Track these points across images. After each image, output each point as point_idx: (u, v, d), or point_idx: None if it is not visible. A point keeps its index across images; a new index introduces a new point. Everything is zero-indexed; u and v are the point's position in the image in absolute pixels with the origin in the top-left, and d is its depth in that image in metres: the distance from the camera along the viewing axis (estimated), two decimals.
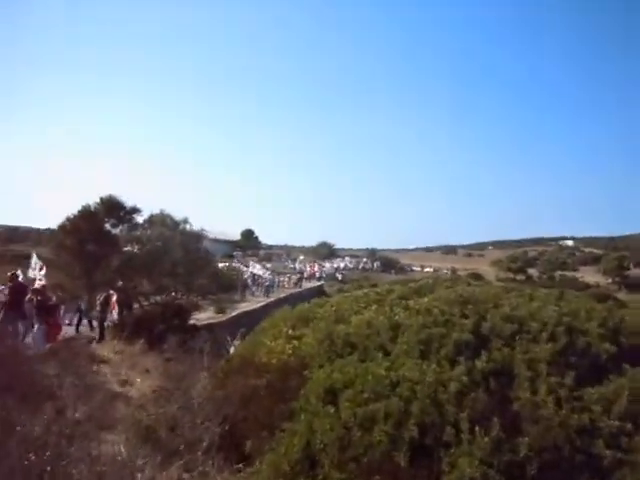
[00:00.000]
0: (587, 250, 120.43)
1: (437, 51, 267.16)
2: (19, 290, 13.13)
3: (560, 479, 4.93)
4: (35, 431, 5.23)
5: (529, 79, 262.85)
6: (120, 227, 15.34)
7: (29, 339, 12.16)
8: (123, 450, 6.32)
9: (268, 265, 63.04)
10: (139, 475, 5.68)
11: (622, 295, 54.58)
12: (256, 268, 47.16)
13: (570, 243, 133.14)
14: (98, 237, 14.25)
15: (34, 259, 15.84)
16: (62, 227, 14.01)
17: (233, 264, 45.79)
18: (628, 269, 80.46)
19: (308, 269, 70.08)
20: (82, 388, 8.45)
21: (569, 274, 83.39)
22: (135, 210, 15.42)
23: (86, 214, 14.20)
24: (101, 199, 14.74)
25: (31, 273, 15.38)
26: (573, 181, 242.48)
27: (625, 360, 6.21)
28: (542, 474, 4.86)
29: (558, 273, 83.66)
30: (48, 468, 4.17)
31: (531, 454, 4.93)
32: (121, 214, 15.05)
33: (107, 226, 15.09)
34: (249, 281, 35.95)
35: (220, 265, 29.98)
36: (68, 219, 14.07)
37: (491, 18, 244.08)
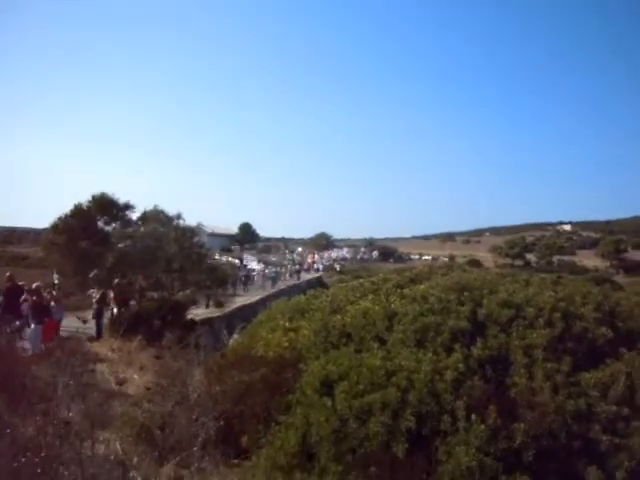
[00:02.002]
0: (584, 234, 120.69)
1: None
2: (15, 291, 13.07)
3: (557, 465, 4.89)
4: (27, 432, 5.16)
5: (522, 63, 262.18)
6: (113, 224, 15.22)
7: (26, 339, 12.08)
8: (119, 448, 6.28)
9: (273, 258, 62.96)
10: (134, 473, 5.63)
11: (620, 278, 54.64)
12: (250, 261, 46.99)
13: (567, 227, 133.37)
14: (91, 235, 14.15)
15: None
16: (54, 226, 13.92)
17: (229, 258, 45.67)
18: (625, 252, 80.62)
19: (309, 260, 70.00)
20: (77, 387, 8.37)
21: (567, 258, 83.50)
22: (128, 207, 15.28)
23: (78, 212, 14.07)
24: (93, 197, 14.60)
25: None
26: (568, 165, 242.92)
27: (622, 344, 6.17)
28: (539, 461, 4.83)
29: (556, 257, 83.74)
30: (39, 470, 4.09)
31: (527, 441, 4.89)
32: (114, 211, 14.93)
33: (100, 224, 14.96)
34: (243, 275, 35.98)
35: (216, 258, 29.95)
36: (60, 218, 13.97)
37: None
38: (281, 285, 39.67)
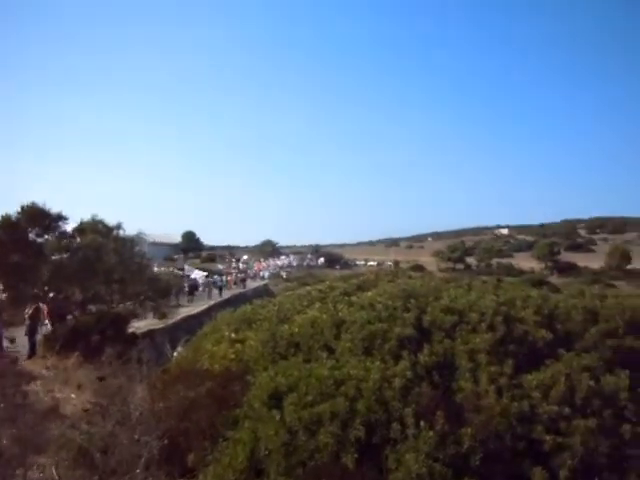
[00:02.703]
0: (520, 237, 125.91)
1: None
2: None
3: (503, 467, 4.99)
4: None
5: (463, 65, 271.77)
6: (46, 236, 14.37)
7: None
8: (54, 474, 5.92)
9: (220, 266, 61.99)
10: None
11: (554, 279, 57.25)
12: (191, 271, 45.96)
13: (505, 231, 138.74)
14: (22, 248, 13.30)
15: None
16: None
17: (170, 268, 44.35)
18: (558, 254, 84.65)
19: (255, 267, 69.41)
20: (8, 410, 7.86)
21: (505, 261, 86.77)
22: (61, 217, 14.48)
23: (6, 224, 13.20)
24: (22, 208, 13.75)
25: None
26: (501, 172, 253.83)
27: (560, 345, 6.40)
28: (486, 464, 4.90)
29: (495, 260, 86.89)
30: None
31: (475, 444, 4.95)
32: (46, 222, 14.11)
33: (31, 235, 14.09)
34: (188, 285, 35.13)
35: (155, 270, 29.01)
36: None
37: None
38: (227, 294, 39.00)
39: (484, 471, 4.88)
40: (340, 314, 7.44)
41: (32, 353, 14.53)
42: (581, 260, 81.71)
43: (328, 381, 5.76)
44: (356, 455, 5.03)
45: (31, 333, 15.05)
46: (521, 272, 68.51)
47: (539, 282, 29.89)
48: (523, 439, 5.17)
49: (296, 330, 7.45)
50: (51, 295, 15.22)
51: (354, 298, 8.23)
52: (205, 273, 45.68)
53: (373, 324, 6.64)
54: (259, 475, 5.47)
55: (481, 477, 4.79)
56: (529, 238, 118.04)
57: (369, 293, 8.20)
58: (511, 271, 68.32)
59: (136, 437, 6.43)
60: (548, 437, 5.11)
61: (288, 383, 6.07)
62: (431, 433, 4.97)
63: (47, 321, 16.50)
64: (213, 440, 6.11)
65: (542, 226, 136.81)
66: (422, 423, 5.07)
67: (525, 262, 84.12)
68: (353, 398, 5.49)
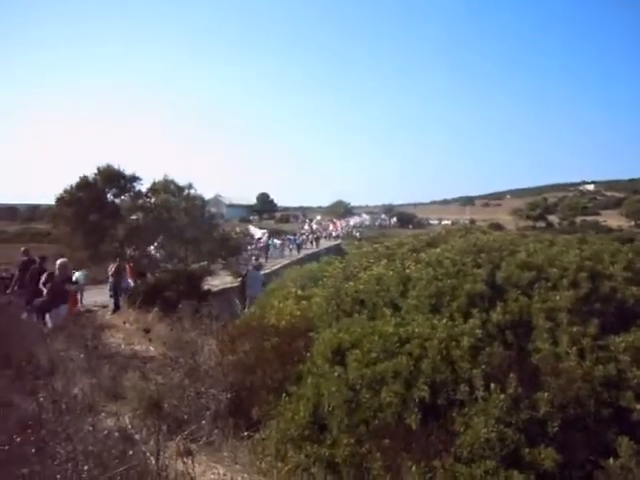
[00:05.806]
0: (608, 194, 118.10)
1: None
2: (29, 265, 13.07)
3: (585, 436, 4.56)
4: (28, 410, 5.02)
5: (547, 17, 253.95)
6: (122, 197, 14.97)
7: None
8: (127, 422, 6.16)
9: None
10: (144, 447, 5.49)
11: None
12: (256, 232, 47.02)
13: (591, 187, 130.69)
14: (100, 207, 13.93)
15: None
16: (60, 199, 13.67)
17: (238, 229, 45.48)
18: None
19: (331, 227, 70.07)
20: (91, 360, 8.32)
21: (590, 219, 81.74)
22: (135, 178, 14.97)
23: (84, 184, 13.82)
24: (98, 169, 14.31)
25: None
26: (589, 123, 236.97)
27: None
28: (565, 431, 4.49)
29: (579, 218, 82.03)
30: (33, 449, 3.90)
31: (552, 410, 4.54)
32: (122, 183, 14.65)
33: (109, 196, 14.72)
34: (264, 244, 36.08)
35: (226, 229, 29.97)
36: (66, 191, 13.72)
37: None
38: (301, 253, 39.89)
39: (562, 439, 4.48)
40: (407, 271, 7.12)
41: (116, 308, 15.42)
42: None
43: (392, 338, 5.52)
44: (420, 416, 4.79)
45: (115, 290, 15.95)
46: (609, 230, 64.25)
47: (629, 241, 27.64)
48: (609, 406, 4.68)
49: (361, 287, 7.23)
50: (130, 254, 15.93)
51: (422, 255, 7.85)
52: (263, 230, 46.81)
53: (441, 281, 6.26)
54: (322, 430, 5.40)
55: (559, 445, 4.40)
56: (617, 194, 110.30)
57: (438, 249, 7.78)
58: (597, 229, 64.16)
59: (203, 389, 6.57)
60: (638, 405, 4.60)
61: (351, 340, 5.90)
62: (502, 396, 4.61)
63: (130, 279, 17.44)
64: (277, 395, 6.10)
65: (632, 181, 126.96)
66: (492, 385, 4.72)
67: (613, 220, 78.93)
68: (418, 357, 5.21)
